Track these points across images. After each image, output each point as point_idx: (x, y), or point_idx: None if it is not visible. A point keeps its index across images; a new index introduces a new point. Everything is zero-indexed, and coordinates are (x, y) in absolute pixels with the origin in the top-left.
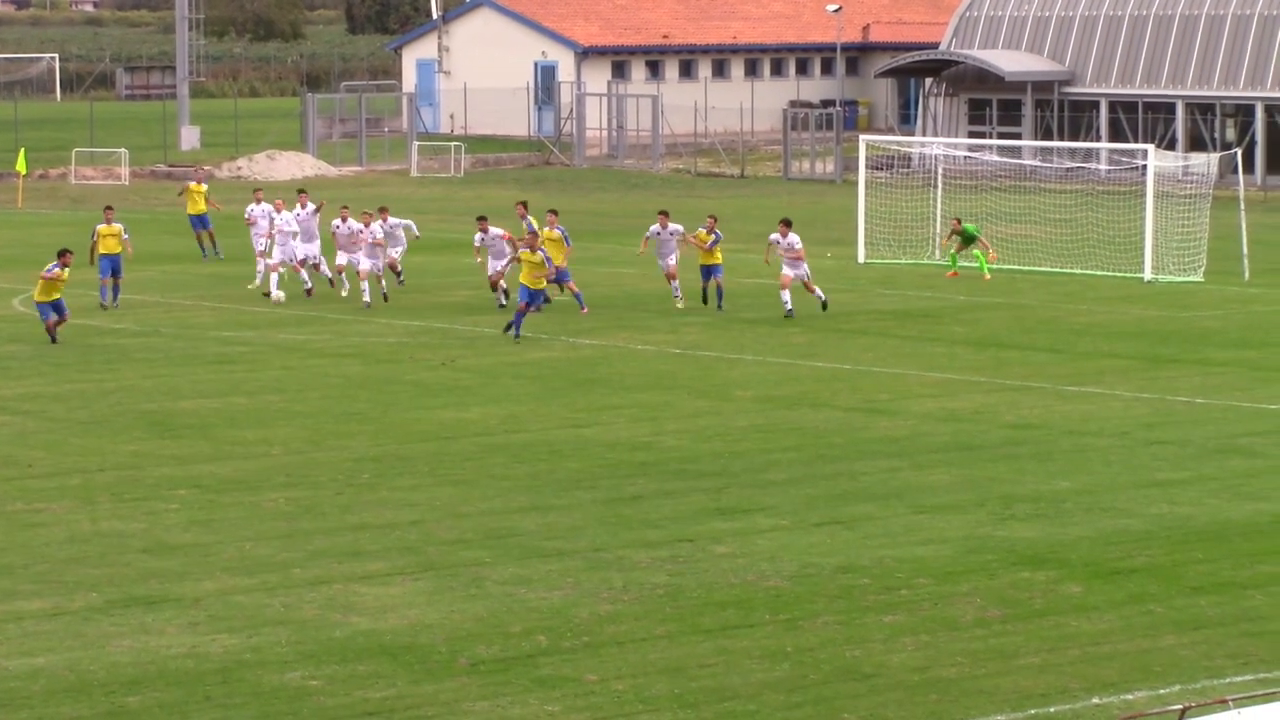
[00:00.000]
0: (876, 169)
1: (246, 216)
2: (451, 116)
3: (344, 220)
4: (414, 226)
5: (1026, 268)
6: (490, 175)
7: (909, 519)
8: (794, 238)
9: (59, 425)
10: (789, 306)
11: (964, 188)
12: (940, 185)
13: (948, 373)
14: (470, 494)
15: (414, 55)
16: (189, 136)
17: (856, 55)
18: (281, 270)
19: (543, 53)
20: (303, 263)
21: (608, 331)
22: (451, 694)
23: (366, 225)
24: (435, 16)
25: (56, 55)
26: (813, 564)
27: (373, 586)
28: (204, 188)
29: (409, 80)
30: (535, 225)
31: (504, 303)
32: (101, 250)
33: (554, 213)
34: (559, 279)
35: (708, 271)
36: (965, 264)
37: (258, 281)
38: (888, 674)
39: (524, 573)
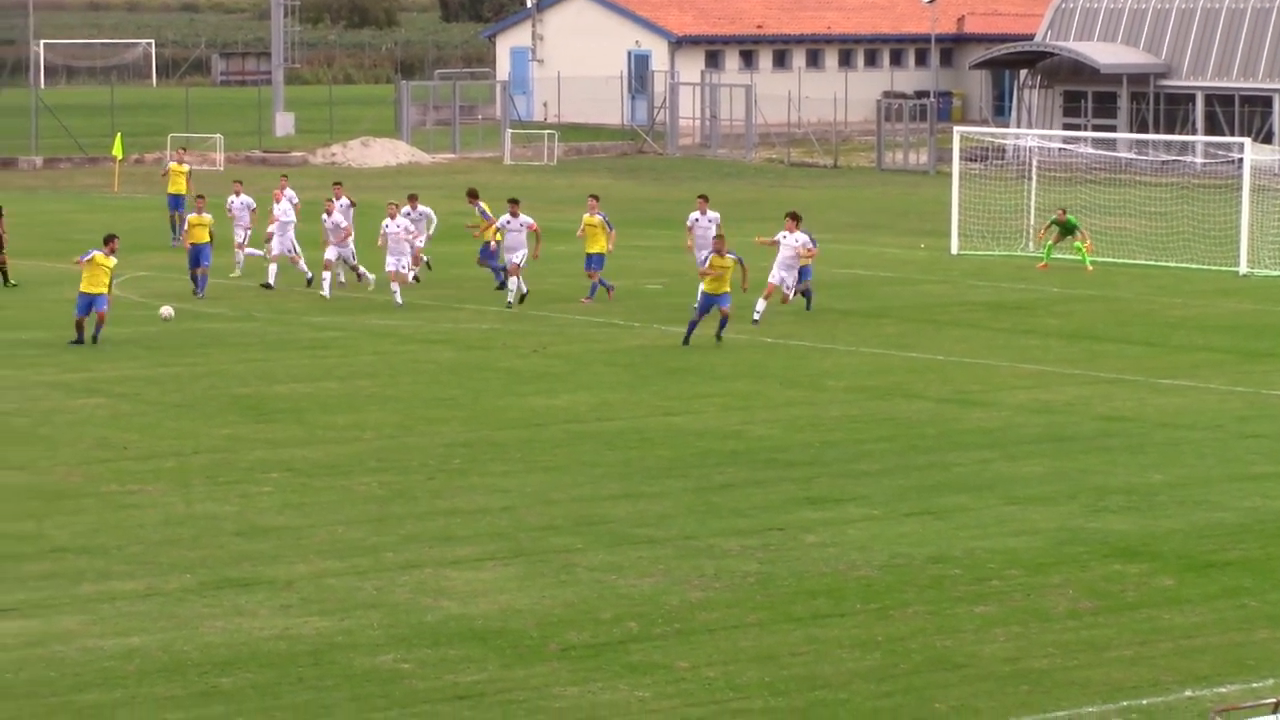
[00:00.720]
0: (970, 160)
1: (227, 208)
2: (545, 104)
3: (392, 218)
4: (434, 218)
5: (1121, 260)
6: (583, 164)
7: (1001, 510)
8: (803, 235)
9: (154, 408)
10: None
11: (1058, 180)
12: (1034, 177)
13: (1041, 365)
14: (561, 480)
15: (508, 43)
16: (284, 123)
17: (951, 46)
18: (273, 262)
19: (636, 42)
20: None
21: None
22: (542, 679)
23: (393, 217)
24: (529, 5)
25: (153, 41)
26: (904, 554)
27: (464, 571)
28: (185, 168)
29: (503, 68)
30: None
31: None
32: (190, 240)
33: (595, 198)
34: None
35: (800, 272)
36: (1061, 255)
37: (238, 272)
38: (979, 664)
39: (615, 559)
